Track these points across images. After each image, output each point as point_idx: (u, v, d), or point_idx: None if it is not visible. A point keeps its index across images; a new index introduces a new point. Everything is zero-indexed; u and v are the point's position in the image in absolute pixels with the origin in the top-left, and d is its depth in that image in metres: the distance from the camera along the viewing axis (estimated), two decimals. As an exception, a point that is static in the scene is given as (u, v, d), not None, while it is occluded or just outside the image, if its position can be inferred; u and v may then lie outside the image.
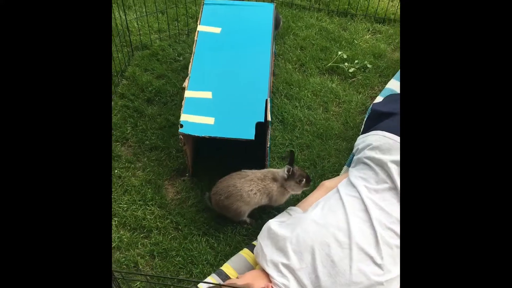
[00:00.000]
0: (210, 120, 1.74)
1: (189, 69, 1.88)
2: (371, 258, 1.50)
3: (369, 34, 2.53)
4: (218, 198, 1.72)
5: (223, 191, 1.71)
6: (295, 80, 2.27)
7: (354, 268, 1.47)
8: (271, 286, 1.49)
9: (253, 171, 1.75)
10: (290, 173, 1.68)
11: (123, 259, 1.70)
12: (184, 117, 1.74)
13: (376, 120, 1.90)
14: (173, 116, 2.12)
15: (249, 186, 1.69)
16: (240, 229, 1.80)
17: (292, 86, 2.25)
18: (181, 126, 1.71)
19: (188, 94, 1.81)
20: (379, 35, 2.52)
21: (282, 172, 1.70)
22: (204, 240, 1.76)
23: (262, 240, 1.60)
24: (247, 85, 1.86)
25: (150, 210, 1.84)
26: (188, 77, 1.86)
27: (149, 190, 1.89)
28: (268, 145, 1.77)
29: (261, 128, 1.72)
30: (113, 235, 1.74)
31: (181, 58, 2.37)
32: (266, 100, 1.77)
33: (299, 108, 2.17)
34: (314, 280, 1.48)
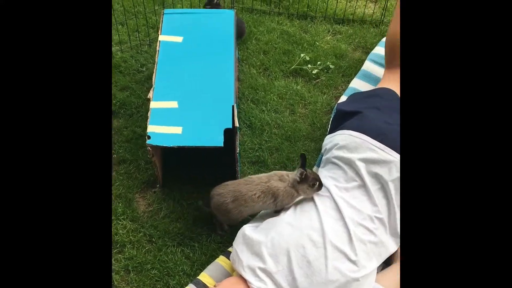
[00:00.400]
0: (177, 130, 1.73)
1: (153, 80, 1.87)
2: (346, 255, 1.52)
3: (330, 35, 2.58)
4: (223, 200, 1.69)
5: (229, 194, 1.68)
6: (260, 84, 2.28)
7: (330, 266, 1.49)
8: (249, 292, 1.50)
9: (259, 175, 1.73)
10: (303, 176, 1.65)
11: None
12: (151, 128, 1.72)
13: (342, 119, 1.94)
14: (140, 127, 2.10)
15: (253, 190, 1.67)
16: (215, 237, 1.79)
17: (257, 90, 2.26)
18: (149, 137, 1.70)
19: (153, 104, 1.80)
20: (339, 36, 2.57)
21: (293, 174, 1.67)
22: (179, 250, 1.75)
23: (238, 246, 1.60)
24: (212, 92, 1.86)
25: (122, 224, 1.81)
26: (152, 88, 1.84)
27: (120, 204, 1.86)
28: (238, 151, 1.77)
29: (229, 134, 1.73)
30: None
31: (144, 69, 2.35)
32: (233, 106, 1.78)
33: (266, 112, 2.18)
34: (291, 281, 1.49)
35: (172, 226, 1.81)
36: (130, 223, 1.82)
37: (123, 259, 1.72)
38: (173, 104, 1.81)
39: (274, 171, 1.75)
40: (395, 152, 1.71)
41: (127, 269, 1.70)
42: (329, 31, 2.59)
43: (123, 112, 2.16)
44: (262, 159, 2.02)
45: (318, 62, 2.38)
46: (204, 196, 1.83)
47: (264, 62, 2.40)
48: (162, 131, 1.72)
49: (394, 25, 2.09)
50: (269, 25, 2.59)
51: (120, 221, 1.82)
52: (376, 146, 1.73)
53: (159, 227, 1.80)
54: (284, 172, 1.72)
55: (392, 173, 1.68)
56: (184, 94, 1.84)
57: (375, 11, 2.69)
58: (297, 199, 1.68)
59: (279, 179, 1.69)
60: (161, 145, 1.69)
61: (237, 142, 1.76)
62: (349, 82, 2.31)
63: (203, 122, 1.76)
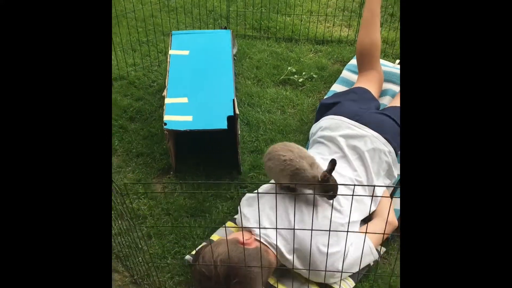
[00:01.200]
0: (189, 118, 2.10)
1: (166, 82, 2.27)
2: (332, 206, 1.85)
3: (312, 53, 3.02)
4: (264, 159, 1.89)
5: (270, 155, 1.85)
6: (255, 92, 2.68)
7: (320, 215, 1.82)
8: (254, 238, 1.80)
9: (301, 148, 1.85)
10: (325, 178, 1.73)
11: (126, 242, 1.96)
12: (166, 118, 2.09)
13: (325, 110, 2.33)
14: (154, 128, 2.46)
15: (286, 154, 1.79)
16: (223, 208, 2.11)
17: (252, 96, 2.66)
18: (165, 124, 2.06)
19: (167, 100, 2.18)
20: (320, 53, 3.02)
21: (320, 171, 1.76)
22: (193, 220, 2.06)
23: (243, 208, 1.92)
24: (216, 91, 2.26)
25: (143, 202, 2.13)
26: (166, 88, 2.23)
27: (140, 187, 2.19)
28: (239, 133, 2.13)
29: (231, 121, 2.10)
30: (112, 225, 2.01)
31: (155, 84, 2.75)
32: (233, 100, 2.16)
33: (260, 112, 2.57)
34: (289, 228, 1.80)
35: (186, 202, 2.13)
36: (150, 201, 2.14)
37: (145, 227, 2.03)
38: (184, 100, 2.20)
39: (314, 157, 1.84)
40: (368, 128, 2.09)
41: (149, 235, 2.00)
42: (311, 50, 3.04)
43: (139, 117, 2.54)
44: (259, 148, 2.37)
45: (303, 73, 2.80)
46: (210, 174, 2.15)
47: (257, 75, 2.82)
48: (176, 119, 2.10)
49: (361, 37, 2.54)
50: (260, 47, 3.03)
51: (141, 199, 2.14)
52: (352, 125, 2.12)
53: (175, 203, 2.12)
54: (318, 164, 1.81)
55: (367, 144, 2.05)
56: (192, 92, 2.24)
57: (349, 33, 3.15)
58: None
59: (310, 164, 1.78)
60: (176, 129, 2.05)
61: (238, 126, 2.13)
62: (330, 87, 2.72)
63: (209, 112, 2.14)
